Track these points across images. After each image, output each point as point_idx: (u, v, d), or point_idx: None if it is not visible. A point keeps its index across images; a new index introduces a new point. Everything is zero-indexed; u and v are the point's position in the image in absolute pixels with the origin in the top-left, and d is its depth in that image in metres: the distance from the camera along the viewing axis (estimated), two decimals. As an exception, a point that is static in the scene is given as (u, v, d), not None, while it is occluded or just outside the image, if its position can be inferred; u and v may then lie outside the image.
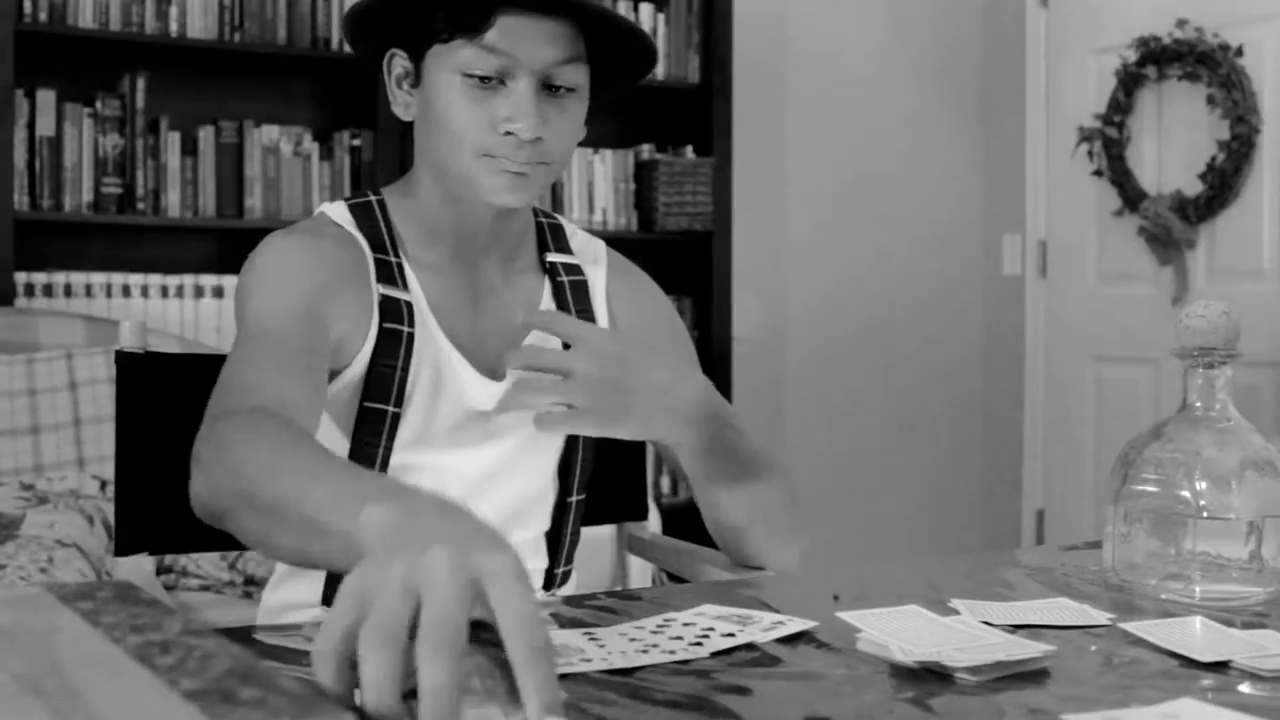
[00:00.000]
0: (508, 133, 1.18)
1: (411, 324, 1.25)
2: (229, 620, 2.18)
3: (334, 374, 1.24)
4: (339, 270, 1.22)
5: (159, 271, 3.11)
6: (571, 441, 1.36)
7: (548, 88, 1.20)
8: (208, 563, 2.43)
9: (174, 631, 0.63)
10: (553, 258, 1.35)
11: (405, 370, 1.24)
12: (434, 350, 1.26)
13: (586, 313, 1.35)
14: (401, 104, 1.26)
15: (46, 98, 2.97)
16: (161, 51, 3.11)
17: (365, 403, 1.23)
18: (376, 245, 1.27)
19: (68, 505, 2.35)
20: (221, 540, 1.53)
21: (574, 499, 1.38)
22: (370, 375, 1.23)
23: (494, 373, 1.29)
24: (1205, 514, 1.04)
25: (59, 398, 2.61)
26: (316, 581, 1.27)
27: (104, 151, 3.02)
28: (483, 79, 1.18)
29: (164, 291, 3.08)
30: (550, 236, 1.37)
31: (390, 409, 1.23)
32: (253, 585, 2.42)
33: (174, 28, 3.05)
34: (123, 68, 3.08)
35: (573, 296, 1.34)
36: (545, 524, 1.37)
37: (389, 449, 1.24)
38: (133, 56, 3.09)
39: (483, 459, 1.29)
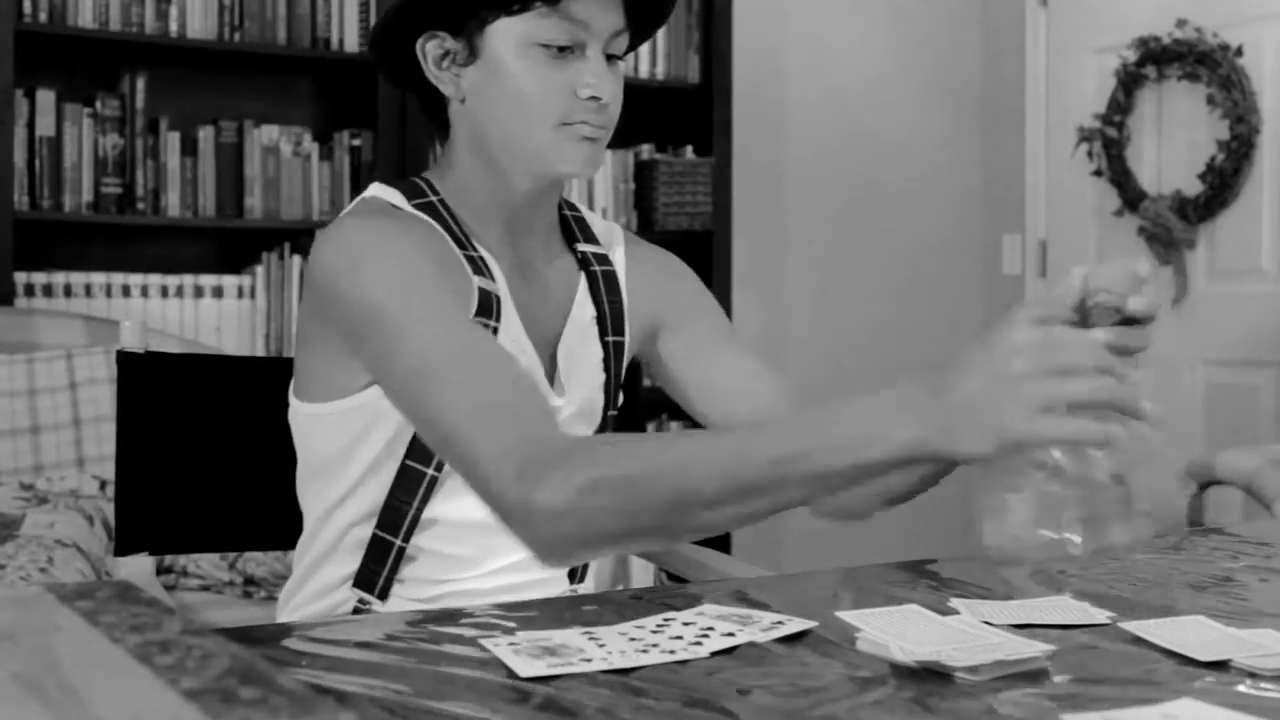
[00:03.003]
0: (591, 97, 1.20)
1: (499, 319, 1.24)
2: (230, 620, 2.18)
3: None
4: (443, 261, 1.22)
5: (159, 271, 3.11)
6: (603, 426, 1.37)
7: (605, 56, 1.23)
8: (207, 563, 2.43)
9: (174, 631, 0.63)
10: (584, 248, 1.36)
11: None
12: (515, 341, 1.25)
13: (617, 302, 1.36)
14: (451, 84, 1.25)
15: (46, 98, 2.96)
16: (161, 51, 3.11)
17: None
18: (452, 237, 1.25)
19: (68, 505, 2.35)
20: (221, 540, 1.53)
21: None
22: None
23: (544, 356, 1.28)
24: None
25: (59, 398, 2.61)
26: (350, 563, 1.26)
27: (104, 151, 3.02)
28: (560, 49, 1.20)
29: (164, 291, 3.08)
30: (577, 228, 1.38)
31: None
32: (252, 585, 2.42)
33: (174, 28, 3.05)
34: (122, 68, 3.08)
35: (605, 287, 1.35)
36: None
37: None
38: (132, 56, 3.09)
39: None
